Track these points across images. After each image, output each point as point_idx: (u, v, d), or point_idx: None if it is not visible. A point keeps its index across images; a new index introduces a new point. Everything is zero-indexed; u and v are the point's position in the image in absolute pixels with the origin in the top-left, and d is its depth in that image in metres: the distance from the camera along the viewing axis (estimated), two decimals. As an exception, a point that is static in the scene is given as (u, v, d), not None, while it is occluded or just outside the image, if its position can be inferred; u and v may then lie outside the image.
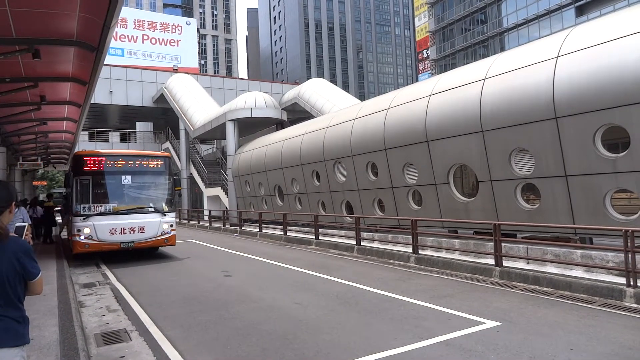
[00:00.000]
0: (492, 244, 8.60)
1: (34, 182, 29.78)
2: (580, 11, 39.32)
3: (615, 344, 4.67)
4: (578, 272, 7.71)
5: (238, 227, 20.58)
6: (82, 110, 12.97)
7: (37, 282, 2.49)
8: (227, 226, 22.22)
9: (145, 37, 52.45)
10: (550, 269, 8.12)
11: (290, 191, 19.73)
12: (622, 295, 6.37)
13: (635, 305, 6.11)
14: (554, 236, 9.84)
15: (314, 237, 14.54)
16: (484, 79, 10.56)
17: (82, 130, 26.62)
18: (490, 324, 5.45)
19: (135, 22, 51.86)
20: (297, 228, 17.88)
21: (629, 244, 6.49)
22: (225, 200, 27.58)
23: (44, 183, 42.03)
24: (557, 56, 9.05)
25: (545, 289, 7.26)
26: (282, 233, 16.45)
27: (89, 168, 11.39)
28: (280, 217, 17.45)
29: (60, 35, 7.27)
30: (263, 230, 18.25)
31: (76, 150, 18.74)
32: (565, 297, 6.69)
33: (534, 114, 9.32)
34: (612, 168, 8.27)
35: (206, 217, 26.26)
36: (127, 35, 51.15)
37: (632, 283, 6.40)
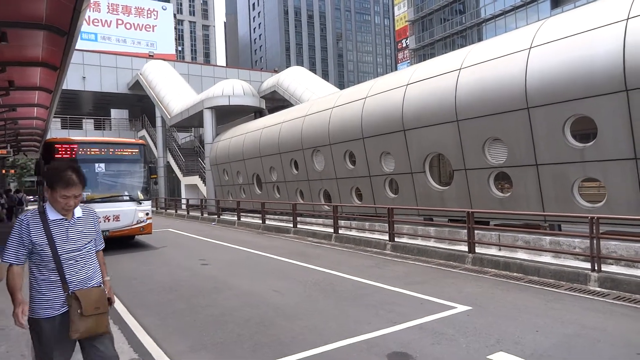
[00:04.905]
0: (466, 231, 8.80)
1: (2, 170, 28.90)
2: (556, 3, 40.01)
3: (578, 325, 4.88)
4: (547, 258, 7.98)
5: (216, 216, 20.47)
6: (53, 96, 12.62)
7: None
8: (205, 215, 22.06)
9: (120, 22, 51.04)
10: (521, 255, 8.37)
11: (268, 180, 19.69)
12: (587, 279, 6.64)
13: (599, 289, 6.38)
14: (524, 223, 10.13)
15: (292, 225, 14.58)
16: (460, 69, 10.70)
17: (55, 117, 25.89)
18: (461, 308, 5.62)
19: (109, 6, 50.36)
20: (276, 216, 17.90)
21: (594, 231, 6.76)
22: (203, 188, 27.34)
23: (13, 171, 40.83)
24: (530, 47, 9.23)
25: (515, 274, 7.50)
26: (261, 221, 16.45)
27: (60, 155, 11.13)
28: (259, 205, 17.41)
29: (29, 19, 7.04)
30: (241, 219, 18.20)
31: (48, 137, 18.26)
32: (534, 282, 6.93)
33: (507, 104, 9.51)
34: (579, 157, 8.53)
35: (184, 206, 26.00)
36: (101, 20, 49.69)
37: (596, 268, 6.67)
